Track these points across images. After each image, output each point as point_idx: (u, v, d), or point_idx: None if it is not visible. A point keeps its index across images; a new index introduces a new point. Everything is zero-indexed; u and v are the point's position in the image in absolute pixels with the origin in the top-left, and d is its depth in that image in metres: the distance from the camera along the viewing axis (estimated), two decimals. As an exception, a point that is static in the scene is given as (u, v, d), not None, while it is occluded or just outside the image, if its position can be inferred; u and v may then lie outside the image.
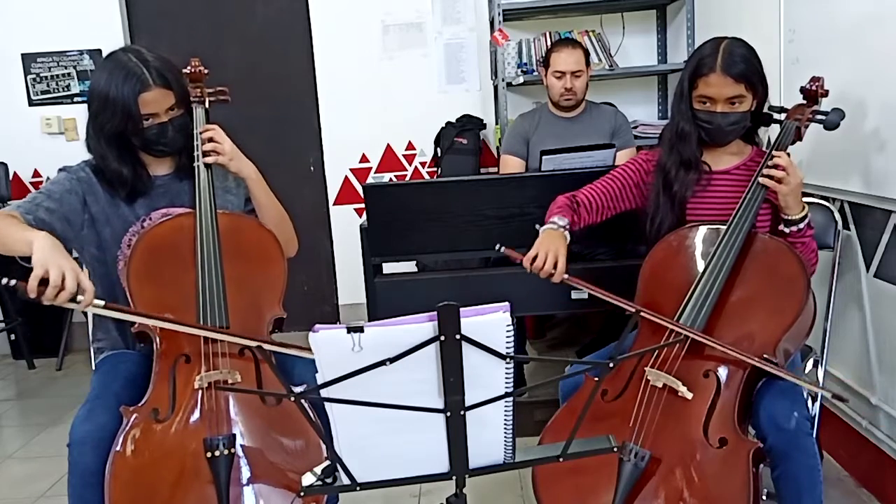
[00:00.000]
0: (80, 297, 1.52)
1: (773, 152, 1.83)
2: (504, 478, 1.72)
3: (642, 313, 1.71)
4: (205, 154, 1.87)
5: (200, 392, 1.71)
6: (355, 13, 4.21)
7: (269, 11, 4.28)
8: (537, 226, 1.89)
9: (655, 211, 1.96)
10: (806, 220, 1.84)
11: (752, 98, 1.86)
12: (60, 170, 1.89)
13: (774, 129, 1.95)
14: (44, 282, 1.49)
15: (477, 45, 4.22)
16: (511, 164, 3.28)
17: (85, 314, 1.60)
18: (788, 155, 1.83)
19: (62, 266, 1.51)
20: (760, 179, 1.81)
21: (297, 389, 1.20)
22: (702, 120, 1.89)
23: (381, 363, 1.11)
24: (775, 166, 1.79)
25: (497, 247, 1.76)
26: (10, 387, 3.98)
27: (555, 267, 1.77)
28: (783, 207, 1.82)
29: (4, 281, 1.52)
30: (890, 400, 2.21)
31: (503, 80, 3.83)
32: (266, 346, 1.76)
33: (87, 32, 4.19)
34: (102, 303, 1.57)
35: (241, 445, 1.68)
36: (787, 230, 1.84)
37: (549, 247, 1.79)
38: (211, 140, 1.87)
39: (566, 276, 1.76)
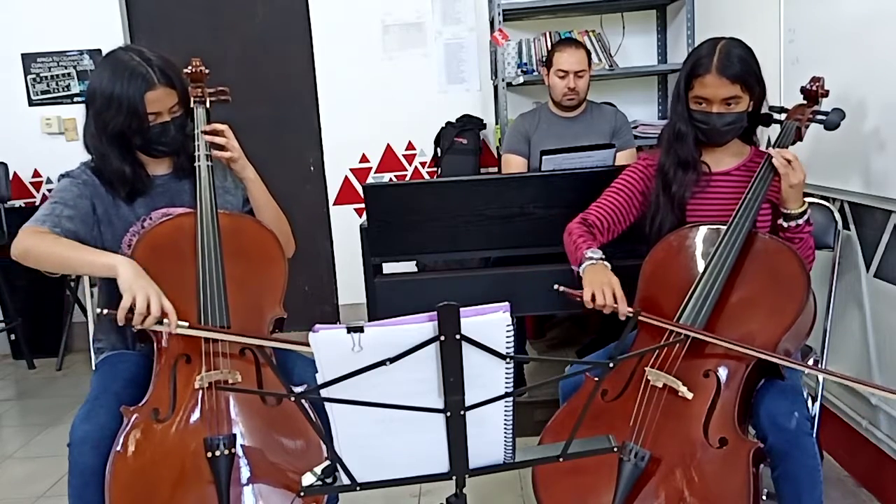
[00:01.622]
0: (165, 321, 1.64)
1: (780, 150, 1.83)
2: (504, 478, 1.72)
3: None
4: (217, 148, 1.88)
5: (201, 392, 1.71)
6: (355, 13, 4.21)
7: (269, 11, 4.29)
8: (574, 268, 1.88)
9: (655, 211, 1.96)
10: (805, 217, 1.84)
11: (748, 99, 1.86)
12: (62, 176, 1.88)
13: (774, 130, 1.95)
14: (131, 308, 1.62)
15: (477, 45, 4.22)
16: (514, 164, 3.27)
17: (85, 314, 1.61)
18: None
19: (147, 292, 1.63)
20: (772, 152, 1.81)
21: (297, 389, 1.20)
22: (698, 120, 1.89)
23: (381, 363, 1.11)
24: (782, 155, 1.80)
25: (556, 287, 1.78)
26: (10, 387, 3.98)
27: (615, 300, 1.75)
28: (784, 201, 1.83)
29: (98, 311, 1.71)
30: (889, 400, 2.20)
31: (503, 80, 3.83)
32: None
33: (87, 32, 4.19)
34: (187, 324, 1.69)
35: (242, 445, 1.68)
36: (786, 224, 1.84)
37: (602, 281, 1.77)
38: (222, 134, 1.89)
39: (629, 310, 1.74)
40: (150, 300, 1.62)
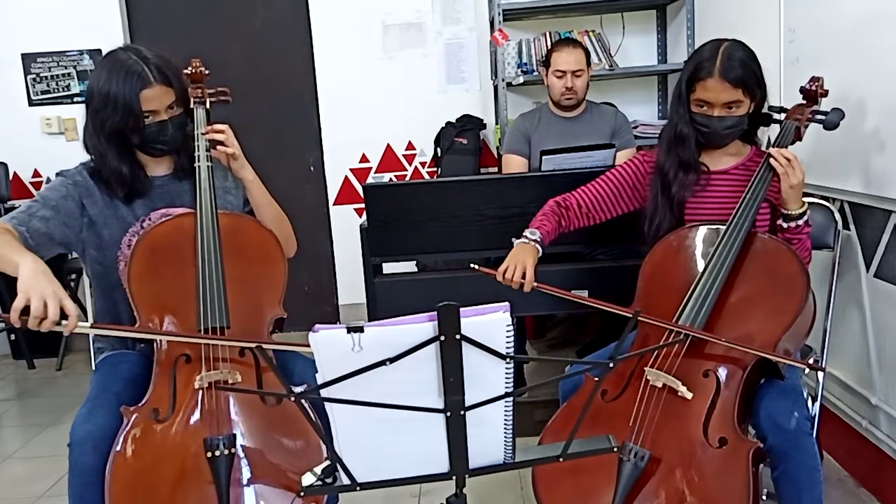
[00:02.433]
0: (63, 322, 1.55)
1: (780, 149, 1.83)
2: (504, 478, 1.72)
3: (640, 317, 1.71)
4: (216, 144, 1.89)
5: (201, 392, 1.71)
6: (355, 13, 4.21)
7: (269, 11, 4.29)
8: (513, 239, 1.94)
9: (654, 212, 1.96)
10: (805, 217, 1.85)
11: (749, 102, 1.87)
12: (58, 174, 1.88)
13: (774, 129, 1.95)
14: (26, 310, 1.52)
15: (477, 45, 4.22)
16: (514, 164, 3.27)
17: (85, 314, 1.61)
18: None
19: (44, 293, 1.53)
20: (772, 151, 1.82)
21: (297, 389, 1.20)
22: (699, 123, 1.89)
23: (381, 363, 1.11)
24: (781, 155, 1.81)
25: (471, 266, 1.84)
26: (10, 387, 3.98)
27: (523, 277, 1.82)
28: (784, 202, 1.83)
29: None
30: (890, 400, 2.21)
31: (503, 80, 3.84)
32: (265, 346, 1.76)
33: (87, 32, 4.19)
34: (88, 324, 1.62)
35: (242, 445, 1.68)
36: (785, 225, 1.84)
37: (518, 259, 1.85)
38: (223, 133, 1.89)
39: (535, 284, 1.82)
40: (46, 301, 1.52)
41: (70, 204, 1.82)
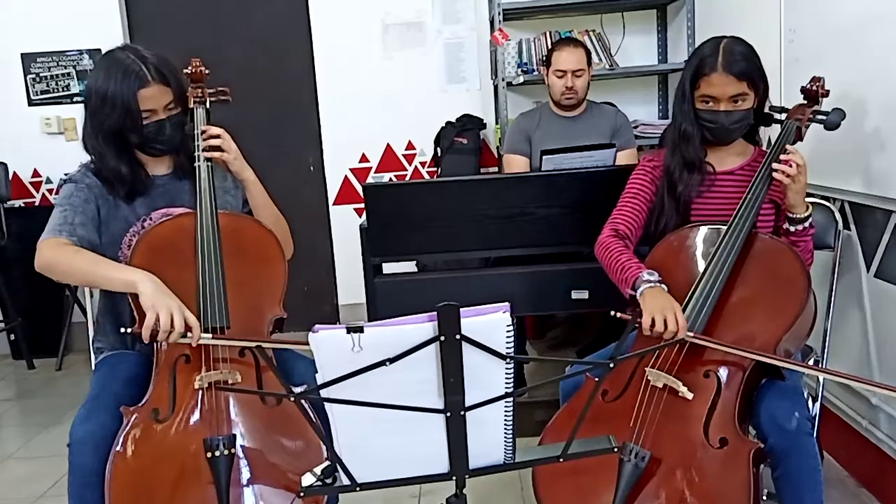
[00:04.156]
0: (189, 335, 1.64)
1: (788, 146, 1.83)
2: (504, 478, 1.71)
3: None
4: (212, 149, 1.88)
5: (201, 392, 1.71)
6: (355, 13, 4.21)
7: (269, 11, 4.28)
8: (627, 290, 1.79)
9: (660, 212, 1.95)
10: (810, 220, 1.85)
11: (753, 95, 1.86)
12: (64, 181, 1.89)
13: (775, 129, 1.95)
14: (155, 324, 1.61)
15: (477, 44, 4.22)
16: (517, 163, 3.27)
17: (84, 314, 1.61)
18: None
19: (170, 307, 1.62)
20: (775, 165, 1.80)
21: (297, 389, 1.20)
22: (705, 119, 1.89)
23: (381, 363, 1.11)
24: (788, 161, 1.79)
25: (612, 314, 1.74)
26: (10, 387, 3.98)
27: (676, 324, 1.67)
28: (790, 206, 1.83)
29: (123, 330, 1.70)
30: (890, 400, 2.20)
31: (503, 80, 3.83)
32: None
33: (86, 32, 4.18)
34: (210, 335, 1.69)
35: (242, 446, 1.68)
36: (792, 228, 1.84)
37: (664, 307, 1.69)
38: (218, 138, 1.89)
39: (690, 334, 1.69)
40: (173, 316, 1.62)
41: (91, 207, 1.84)
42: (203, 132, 1.89)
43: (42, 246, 1.74)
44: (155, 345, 1.75)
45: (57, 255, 1.72)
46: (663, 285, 1.76)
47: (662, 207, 1.95)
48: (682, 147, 1.92)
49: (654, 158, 2.04)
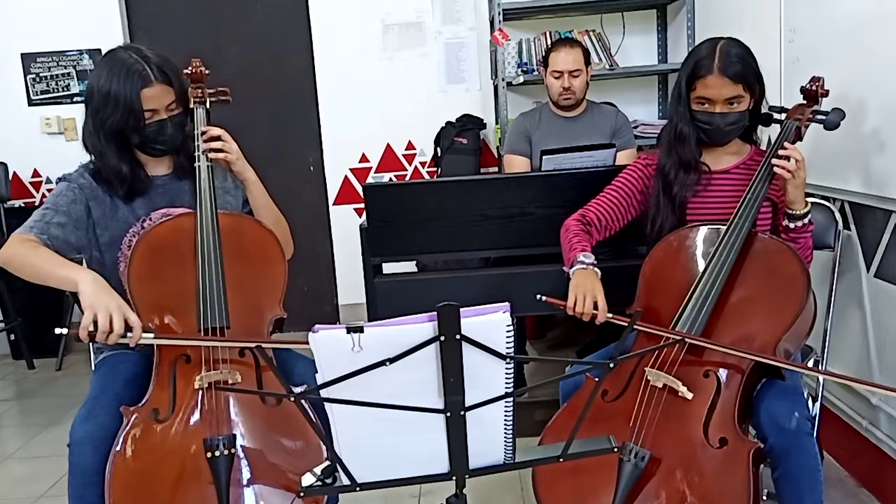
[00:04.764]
0: (129, 335, 1.61)
1: (786, 143, 1.83)
2: (504, 478, 1.71)
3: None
4: (214, 150, 1.88)
5: (201, 392, 1.71)
6: (355, 13, 4.21)
7: (269, 11, 4.28)
8: (565, 268, 1.88)
9: (656, 213, 1.96)
10: (809, 217, 1.85)
11: (749, 97, 1.87)
12: (60, 179, 1.88)
13: (775, 129, 1.95)
14: (94, 325, 1.57)
15: (477, 44, 4.22)
16: (517, 164, 3.27)
17: (83, 312, 1.61)
18: None
19: (109, 307, 1.59)
20: (774, 160, 1.81)
21: (297, 389, 1.20)
22: (701, 121, 1.89)
23: (381, 363, 1.11)
24: (788, 158, 1.80)
25: (538, 297, 1.76)
26: (9, 387, 3.98)
27: (595, 307, 1.74)
28: (790, 202, 1.83)
29: (58, 331, 1.63)
30: (890, 400, 2.20)
31: (503, 80, 3.83)
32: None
33: (86, 32, 4.19)
34: (152, 335, 1.67)
35: (242, 446, 1.68)
36: (791, 225, 1.84)
37: (586, 288, 1.76)
38: (219, 139, 1.89)
39: (609, 315, 1.74)
40: (112, 316, 1.58)
41: (79, 208, 1.83)
42: (203, 132, 1.89)
43: (9, 241, 1.74)
44: (154, 345, 1.75)
45: (16, 251, 1.71)
46: (597, 269, 1.82)
47: (658, 208, 1.95)
48: (677, 148, 1.93)
49: (648, 157, 2.05)
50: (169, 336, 1.73)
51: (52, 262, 1.69)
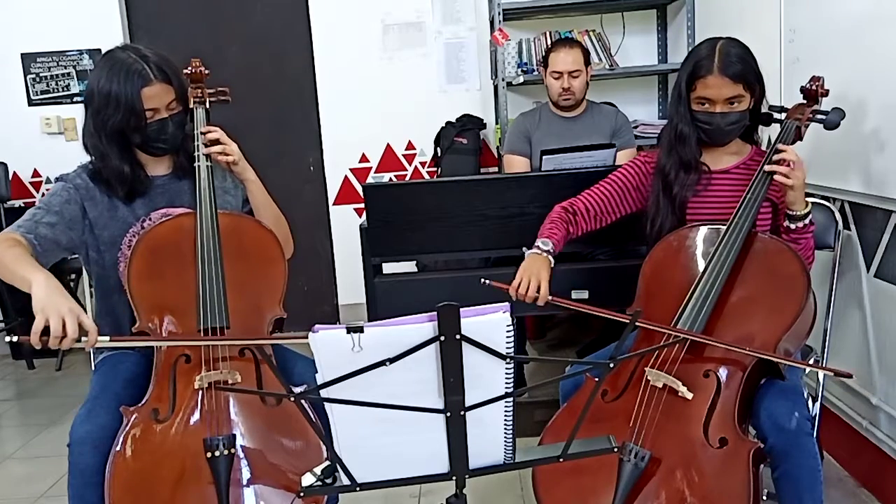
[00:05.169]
0: (83, 339, 1.53)
1: (779, 146, 1.83)
2: (504, 478, 1.72)
3: (637, 323, 1.71)
4: (215, 151, 1.88)
5: (200, 392, 1.71)
6: (355, 13, 4.21)
7: (269, 11, 4.28)
8: (524, 249, 1.91)
9: (656, 213, 1.96)
10: (809, 217, 1.85)
11: (749, 97, 1.87)
12: (57, 179, 1.88)
13: (774, 129, 1.95)
14: (45, 330, 1.50)
15: (477, 44, 4.22)
16: (517, 164, 3.27)
17: (85, 310, 1.60)
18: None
19: (61, 311, 1.51)
20: (767, 167, 1.81)
21: (297, 389, 1.20)
22: (701, 121, 1.89)
23: (381, 363, 1.11)
24: (781, 160, 1.80)
25: (482, 281, 1.79)
26: (9, 387, 3.98)
27: (538, 291, 1.79)
28: (789, 203, 1.83)
29: (8, 339, 1.58)
30: (890, 400, 2.20)
31: (503, 80, 3.83)
32: (265, 344, 1.77)
33: (86, 32, 4.19)
34: (108, 338, 1.63)
35: (241, 446, 1.68)
36: (792, 226, 1.84)
37: (531, 272, 1.82)
38: (218, 141, 1.88)
39: (550, 298, 1.80)
40: (65, 319, 1.50)
41: (73, 208, 1.83)
42: (203, 132, 1.89)
43: None
44: (155, 345, 1.75)
45: None
46: (551, 257, 1.86)
47: (658, 208, 1.95)
48: (678, 148, 1.93)
49: (647, 155, 2.05)
50: (124, 339, 1.70)
51: (16, 263, 1.63)
